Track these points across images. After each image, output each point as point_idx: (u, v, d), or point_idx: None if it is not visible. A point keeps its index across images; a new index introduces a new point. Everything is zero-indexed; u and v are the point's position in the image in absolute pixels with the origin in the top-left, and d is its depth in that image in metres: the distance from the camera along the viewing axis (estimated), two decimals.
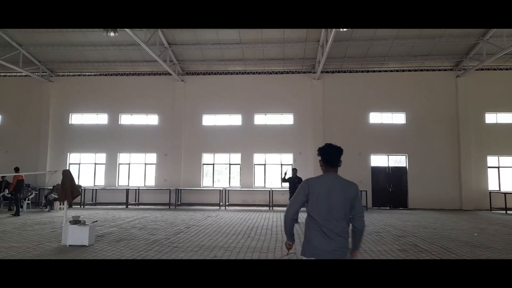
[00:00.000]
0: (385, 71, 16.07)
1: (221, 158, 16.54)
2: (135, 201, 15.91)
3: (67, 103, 16.92)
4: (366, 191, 14.80)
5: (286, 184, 12.44)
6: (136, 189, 15.98)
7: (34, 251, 6.61)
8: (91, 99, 16.84)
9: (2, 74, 17.08)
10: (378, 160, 15.84)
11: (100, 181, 16.58)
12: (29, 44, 15.22)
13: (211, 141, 16.26)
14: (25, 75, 16.30)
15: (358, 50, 14.96)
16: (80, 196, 10.96)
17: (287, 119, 16.35)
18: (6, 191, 13.81)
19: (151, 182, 16.47)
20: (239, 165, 16.31)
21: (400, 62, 15.64)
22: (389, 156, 15.82)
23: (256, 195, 15.82)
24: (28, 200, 14.24)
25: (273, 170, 16.30)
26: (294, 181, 11.36)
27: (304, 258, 2.66)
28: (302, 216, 4.61)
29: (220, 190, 15.44)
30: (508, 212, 13.69)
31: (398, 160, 15.86)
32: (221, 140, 16.20)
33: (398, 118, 15.95)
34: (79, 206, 14.85)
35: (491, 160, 15.40)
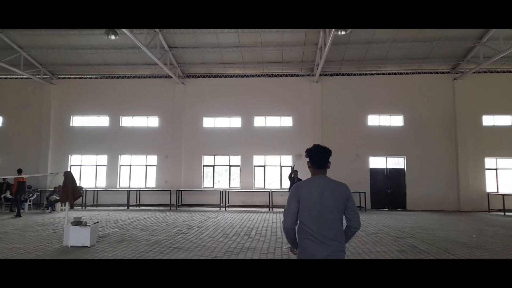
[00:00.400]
0: (383, 74, 16.19)
1: (221, 159, 16.64)
2: (136, 202, 15.99)
3: (68, 106, 17.03)
4: (364, 192, 14.92)
5: (286, 186, 12.55)
6: (137, 191, 16.06)
7: (35, 252, 6.69)
8: (92, 102, 16.96)
9: (3, 76, 17.19)
10: (377, 162, 15.94)
11: (101, 183, 16.66)
12: (30, 46, 15.33)
13: (211, 143, 16.37)
14: (26, 78, 16.39)
15: (356, 53, 15.08)
16: (81, 197, 11.05)
17: (286, 121, 16.47)
18: (8, 192, 13.89)
19: (152, 183, 16.57)
20: (239, 167, 16.41)
21: (398, 65, 15.76)
22: (387, 158, 15.93)
23: (256, 196, 15.91)
24: (30, 201, 14.32)
25: (272, 172, 16.40)
26: (294, 182, 11.48)
27: None
28: None
29: (220, 191, 15.53)
30: (506, 213, 13.77)
31: (396, 162, 15.96)
32: (221, 142, 16.32)
33: (396, 120, 16.07)
34: (80, 208, 14.92)
35: (489, 162, 15.51)
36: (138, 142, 16.57)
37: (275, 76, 16.53)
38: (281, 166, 16.29)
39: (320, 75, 15.58)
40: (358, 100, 16.01)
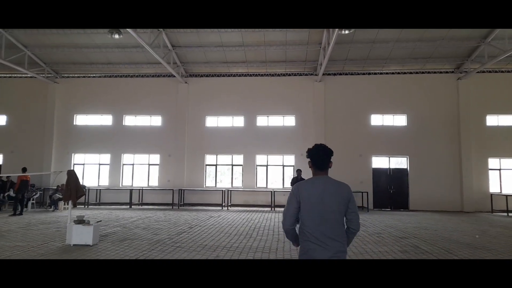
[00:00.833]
0: (387, 73, 16.14)
1: (224, 159, 16.65)
2: (139, 201, 16.04)
3: (72, 104, 17.11)
4: (367, 192, 14.87)
5: (288, 185, 12.51)
6: (139, 190, 16.12)
7: (38, 250, 6.73)
8: (95, 100, 17.03)
9: (7, 75, 17.29)
10: (379, 162, 15.90)
11: (104, 182, 16.73)
12: (34, 45, 15.41)
13: (214, 142, 16.39)
14: (31, 77, 16.47)
15: (359, 52, 15.04)
16: (84, 196, 11.09)
17: (289, 120, 16.45)
18: (11, 191, 13.97)
19: (154, 182, 16.61)
20: (241, 166, 16.41)
21: (401, 64, 15.70)
22: (390, 157, 15.88)
23: (258, 195, 15.93)
24: (33, 200, 14.40)
25: (275, 171, 16.40)
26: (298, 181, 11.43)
27: None
28: None
29: (222, 190, 15.54)
30: (509, 214, 13.68)
31: (399, 162, 15.91)
32: (224, 141, 16.33)
33: (399, 120, 16.02)
34: (83, 206, 14.99)
35: (492, 162, 15.42)
36: (141, 141, 16.62)
37: (278, 75, 16.52)
38: (283, 166, 16.28)
39: (323, 74, 15.54)
40: (361, 100, 15.97)
